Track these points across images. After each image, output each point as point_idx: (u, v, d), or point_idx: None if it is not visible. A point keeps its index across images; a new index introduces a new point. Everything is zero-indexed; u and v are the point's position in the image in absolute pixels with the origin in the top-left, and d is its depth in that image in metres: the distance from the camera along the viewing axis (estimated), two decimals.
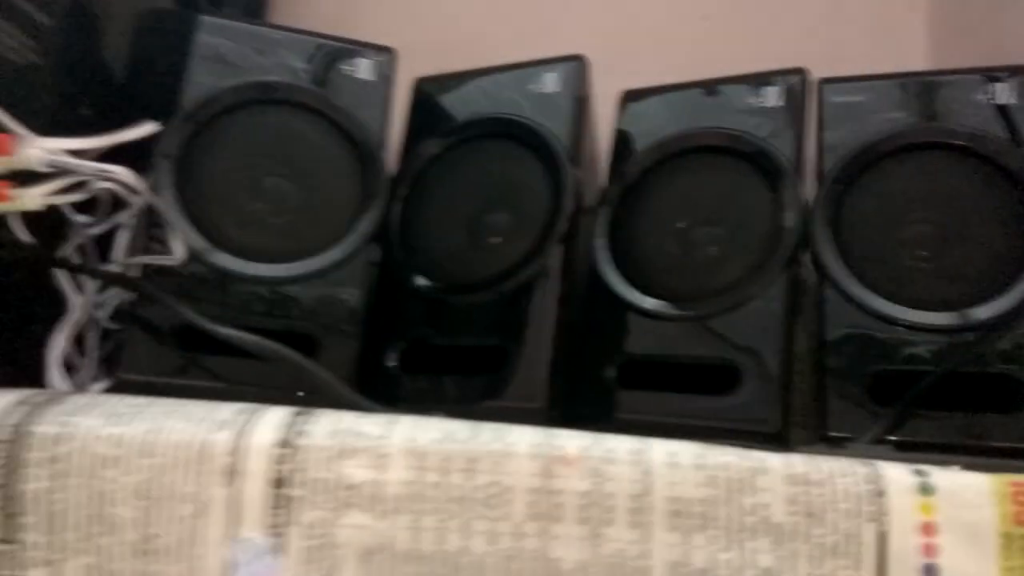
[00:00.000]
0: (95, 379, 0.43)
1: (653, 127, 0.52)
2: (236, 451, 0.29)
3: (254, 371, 0.41)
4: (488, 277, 0.48)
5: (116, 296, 0.44)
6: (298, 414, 0.31)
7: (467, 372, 0.46)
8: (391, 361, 0.48)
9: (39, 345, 0.43)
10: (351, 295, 0.47)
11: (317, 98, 0.49)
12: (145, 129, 0.40)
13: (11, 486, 0.30)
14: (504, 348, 0.46)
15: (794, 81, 0.49)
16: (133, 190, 0.39)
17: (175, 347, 0.41)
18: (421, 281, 0.49)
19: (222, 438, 0.30)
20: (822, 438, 0.43)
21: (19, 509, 0.29)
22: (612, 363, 0.47)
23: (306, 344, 0.44)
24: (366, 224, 0.48)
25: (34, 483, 0.29)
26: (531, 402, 0.43)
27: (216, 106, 0.47)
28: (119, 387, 0.41)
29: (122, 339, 0.43)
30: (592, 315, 0.49)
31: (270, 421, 0.31)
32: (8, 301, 0.43)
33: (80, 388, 0.42)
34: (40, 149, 0.35)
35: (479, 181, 0.51)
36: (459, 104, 0.53)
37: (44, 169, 0.37)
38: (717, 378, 0.44)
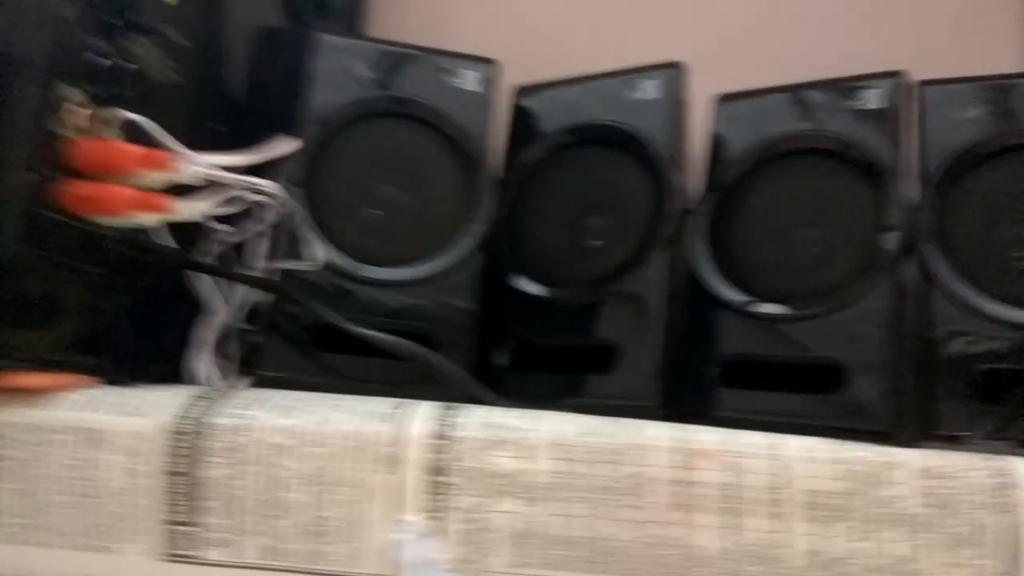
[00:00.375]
0: (230, 377, 0.46)
1: (750, 130, 0.53)
2: (397, 442, 0.32)
3: (383, 369, 0.44)
4: (595, 278, 0.50)
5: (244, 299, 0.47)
6: (448, 408, 0.34)
7: (577, 371, 0.48)
8: (500, 360, 0.50)
9: (178, 345, 0.47)
10: (464, 297, 0.49)
11: (427, 110, 0.51)
12: (289, 146, 0.43)
13: (194, 474, 0.32)
14: (610, 348, 0.48)
15: (893, 83, 0.50)
16: (278, 201, 0.42)
17: (310, 347, 0.44)
18: (526, 283, 0.52)
19: (384, 429, 0.32)
20: (927, 435, 0.44)
21: (201, 494, 0.32)
22: (715, 362, 0.48)
23: (422, 344, 0.47)
24: (476, 229, 0.50)
25: (215, 471, 0.32)
26: (643, 400, 0.45)
27: (335, 121, 0.50)
28: (258, 384, 0.43)
29: (256, 339, 0.46)
30: (692, 314, 0.50)
31: (424, 415, 0.33)
32: (151, 303, 0.46)
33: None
34: (197, 165, 0.38)
35: (580, 186, 0.53)
36: (559, 111, 0.55)
37: (197, 182, 0.40)
38: (820, 377, 0.45)
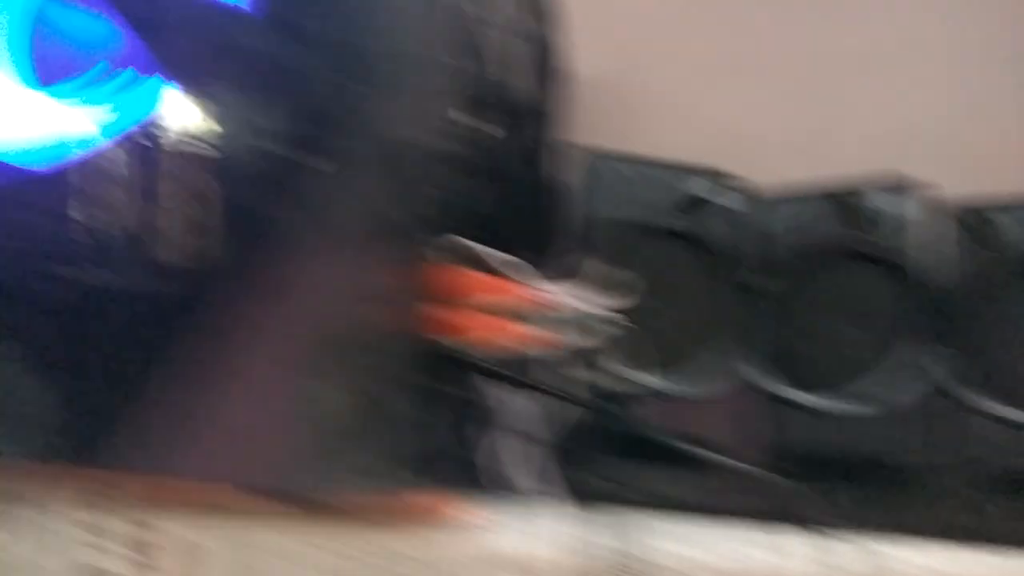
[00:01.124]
0: (535, 487, 0.47)
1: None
2: None
3: (698, 488, 0.45)
4: (859, 388, 0.51)
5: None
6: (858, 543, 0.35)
7: (869, 486, 0.49)
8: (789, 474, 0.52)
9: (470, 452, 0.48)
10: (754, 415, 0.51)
11: (682, 228, 0.54)
12: (629, 301, 0.45)
13: None
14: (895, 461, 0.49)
15: None
16: (610, 325, 0.44)
17: (631, 465, 0.46)
18: (793, 393, 0.53)
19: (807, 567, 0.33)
20: None
21: None
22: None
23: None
24: (749, 344, 0.52)
25: None
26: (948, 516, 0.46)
27: (617, 240, 0.53)
28: (579, 499, 0.45)
29: (576, 455, 0.47)
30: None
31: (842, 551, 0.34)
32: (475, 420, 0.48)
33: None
34: (535, 290, 0.41)
35: (836, 297, 0.55)
36: (801, 224, 0.58)
37: (533, 308, 0.42)
38: None
